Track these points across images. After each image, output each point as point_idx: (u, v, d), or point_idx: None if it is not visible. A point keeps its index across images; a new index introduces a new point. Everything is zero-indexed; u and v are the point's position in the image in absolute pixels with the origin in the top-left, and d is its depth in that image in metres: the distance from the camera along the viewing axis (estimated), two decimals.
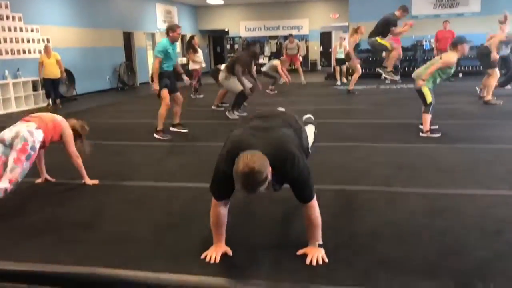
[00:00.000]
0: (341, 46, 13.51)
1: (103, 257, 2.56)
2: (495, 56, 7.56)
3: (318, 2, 19.27)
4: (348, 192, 3.57)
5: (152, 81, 5.90)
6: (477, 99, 8.33)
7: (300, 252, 2.48)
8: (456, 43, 5.32)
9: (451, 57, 5.25)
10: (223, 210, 2.51)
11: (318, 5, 19.33)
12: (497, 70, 7.74)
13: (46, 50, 9.65)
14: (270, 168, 2.17)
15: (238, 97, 7.40)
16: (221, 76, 7.45)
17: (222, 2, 18.61)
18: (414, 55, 14.55)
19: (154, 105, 6.16)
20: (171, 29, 5.91)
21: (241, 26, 19.66)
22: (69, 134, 3.83)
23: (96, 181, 3.98)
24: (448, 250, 2.51)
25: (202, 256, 2.48)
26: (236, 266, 2.42)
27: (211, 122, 7.07)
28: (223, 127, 6.56)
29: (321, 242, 2.47)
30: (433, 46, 12.46)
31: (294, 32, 19.81)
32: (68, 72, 11.16)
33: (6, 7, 9.71)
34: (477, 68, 13.64)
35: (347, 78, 13.29)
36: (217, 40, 21.80)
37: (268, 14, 19.56)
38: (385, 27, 8.06)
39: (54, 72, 9.70)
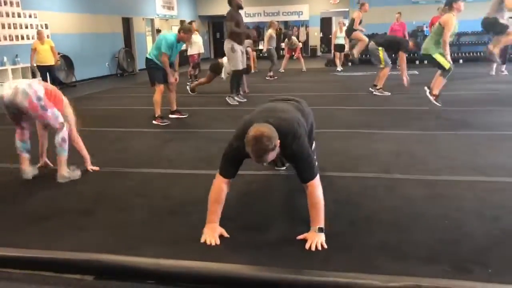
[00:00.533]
0: (342, 31, 13.43)
1: (103, 243, 2.59)
2: None
3: None
4: (347, 179, 3.58)
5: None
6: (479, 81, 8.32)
7: (300, 237, 2.50)
8: (451, 1, 5.31)
9: (450, 18, 5.27)
10: (226, 188, 2.59)
11: None
12: (510, 29, 7.75)
13: (39, 36, 9.09)
14: (279, 141, 2.36)
15: (232, 78, 7.32)
16: (225, 46, 7.17)
17: None
18: (415, 41, 14.43)
19: (153, 92, 6.15)
20: (183, 30, 5.86)
21: (241, 11, 19.48)
22: (70, 113, 3.83)
23: (97, 168, 3.99)
24: (447, 236, 2.52)
25: (202, 240, 2.51)
26: (236, 251, 2.44)
27: (211, 109, 7.06)
28: (222, 114, 6.57)
29: (322, 226, 2.48)
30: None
31: (294, 17, 19.71)
32: (67, 59, 11.12)
33: None
34: (478, 54, 13.60)
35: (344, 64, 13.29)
36: (217, 26, 21.65)
37: (268, 0, 19.39)
38: (394, 47, 7.86)
39: (48, 58, 9.12)
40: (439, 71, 5.64)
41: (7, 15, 9.76)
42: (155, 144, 5.00)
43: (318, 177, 2.53)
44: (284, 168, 3.61)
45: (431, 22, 11.68)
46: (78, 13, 12.15)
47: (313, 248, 2.40)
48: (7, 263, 0.88)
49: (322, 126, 4.62)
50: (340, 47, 13.02)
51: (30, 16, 10.41)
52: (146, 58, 6.09)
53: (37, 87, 3.54)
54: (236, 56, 7.05)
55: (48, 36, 10.91)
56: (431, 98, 5.40)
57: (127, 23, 14.80)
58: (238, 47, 7.05)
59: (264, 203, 3.18)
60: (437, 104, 5.34)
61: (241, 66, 7.15)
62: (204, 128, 5.71)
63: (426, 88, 5.69)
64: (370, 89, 7.96)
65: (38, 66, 9.24)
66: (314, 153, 2.91)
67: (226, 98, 7.37)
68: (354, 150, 4.41)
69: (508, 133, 4.87)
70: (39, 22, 10.66)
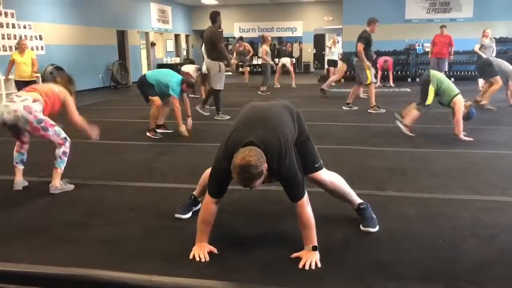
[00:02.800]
0: (335, 47, 13.59)
1: (94, 258, 2.54)
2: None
3: (312, 5, 19.33)
4: None
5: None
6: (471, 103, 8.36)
7: (294, 255, 2.47)
8: (470, 112, 5.48)
9: (463, 103, 5.40)
10: (214, 208, 2.57)
11: (312, 8, 19.38)
12: (499, 77, 7.78)
13: (20, 46, 8.11)
14: (266, 165, 2.31)
15: (215, 98, 7.41)
16: (210, 64, 7.25)
17: (217, 3, 18.58)
18: (407, 59, 14.63)
19: (147, 104, 6.12)
20: (187, 84, 5.88)
21: (235, 27, 19.63)
22: (70, 100, 3.86)
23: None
24: (441, 255, 2.50)
25: (191, 256, 2.48)
26: (229, 268, 2.40)
27: (202, 123, 7.03)
28: (214, 127, 6.55)
29: (315, 244, 2.46)
30: (426, 50, 12.43)
31: (288, 34, 19.90)
32: (60, 70, 11.08)
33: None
34: (469, 72, 13.77)
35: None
36: None
37: (262, 16, 19.57)
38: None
39: (28, 73, 8.11)
40: (417, 103, 5.70)
41: (1, 25, 9.74)
42: (148, 157, 4.96)
43: (306, 195, 2.47)
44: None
45: (433, 41, 11.58)
46: (73, 25, 12.16)
47: (306, 267, 2.37)
48: None
49: (314, 142, 4.60)
50: (333, 63, 13.11)
51: (25, 27, 10.38)
52: (144, 77, 5.98)
53: (36, 108, 3.53)
54: (221, 77, 7.24)
55: (42, 48, 10.92)
56: (400, 122, 5.59)
57: (121, 36, 14.83)
58: (223, 68, 7.24)
59: (257, 219, 3.15)
60: (404, 130, 5.54)
61: (222, 86, 7.32)
62: (197, 141, 5.68)
63: (397, 115, 5.84)
64: (369, 110, 7.87)
65: (16, 81, 8.32)
66: (314, 149, 2.86)
67: (215, 117, 7.39)
68: (346, 166, 4.40)
69: (501, 152, 4.90)
70: (33, 33, 10.64)
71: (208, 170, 2.73)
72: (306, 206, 2.47)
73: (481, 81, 9.66)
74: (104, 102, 10.36)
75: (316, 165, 2.84)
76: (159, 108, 5.95)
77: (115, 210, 3.34)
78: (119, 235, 2.87)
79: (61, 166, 3.69)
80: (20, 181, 3.79)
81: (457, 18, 14.54)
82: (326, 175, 2.90)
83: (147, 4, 16.45)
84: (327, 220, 2.95)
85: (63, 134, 3.71)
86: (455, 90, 5.46)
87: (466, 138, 5.36)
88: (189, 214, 3.11)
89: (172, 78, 5.82)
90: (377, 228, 2.86)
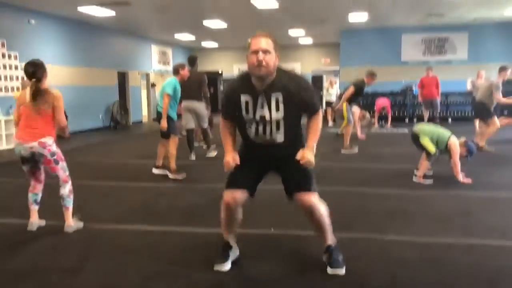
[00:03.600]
0: (333, 88, 13.80)
1: None
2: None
3: (310, 47, 19.73)
4: (339, 239, 3.50)
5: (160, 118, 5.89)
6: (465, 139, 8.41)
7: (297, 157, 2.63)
8: (469, 149, 5.41)
9: (458, 145, 5.35)
10: (230, 128, 2.85)
11: (310, 50, 19.79)
12: (495, 118, 7.84)
13: (23, 85, 8.20)
14: (278, 58, 2.60)
15: (206, 136, 7.68)
16: (200, 106, 7.44)
17: (217, 45, 18.98)
18: (404, 100, 14.80)
19: (146, 144, 6.17)
20: (180, 66, 6.06)
21: (234, 68, 19.98)
22: (57, 106, 3.82)
23: None
24: None
25: (225, 164, 2.72)
26: None
27: (201, 163, 7.04)
28: (212, 167, 6.53)
29: (314, 147, 2.73)
30: (419, 92, 12.53)
31: None
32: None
33: (3, 45, 9.83)
34: (466, 113, 13.92)
35: (334, 121, 13.52)
36: (211, 81, 22.00)
37: None
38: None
39: None
40: (425, 156, 5.62)
41: (4, 67, 9.90)
42: (147, 199, 4.93)
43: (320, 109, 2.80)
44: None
45: (421, 82, 11.97)
46: (75, 66, 12.37)
47: (300, 157, 2.60)
48: None
49: None
50: (331, 104, 13.26)
51: None
52: (158, 112, 6.04)
53: (49, 142, 3.71)
54: (207, 116, 7.64)
55: None
56: (417, 180, 5.45)
57: (122, 77, 15.06)
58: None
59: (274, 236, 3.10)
60: (427, 183, 5.40)
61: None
62: (198, 182, 5.66)
63: (415, 170, 5.68)
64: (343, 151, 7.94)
65: None
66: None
67: (207, 156, 7.49)
68: (346, 208, 4.37)
69: (502, 195, 4.88)
70: None
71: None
72: (321, 116, 2.79)
73: (477, 122, 9.75)
74: (103, 142, 10.40)
75: (310, 186, 2.79)
76: (176, 145, 6.02)
77: (111, 254, 3.28)
78: (115, 281, 2.82)
79: (70, 204, 3.83)
80: (35, 221, 3.86)
81: (453, 60, 14.83)
82: (318, 200, 2.78)
83: (148, 46, 16.80)
84: (323, 264, 2.89)
85: (68, 172, 3.86)
86: (447, 133, 5.45)
87: (465, 180, 5.35)
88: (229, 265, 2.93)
89: (165, 85, 5.94)
90: (344, 269, 2.81)
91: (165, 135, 6.00)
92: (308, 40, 18.09)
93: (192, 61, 7.62)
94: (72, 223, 3.81)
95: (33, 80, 3.73)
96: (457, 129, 6.00)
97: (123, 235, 3.71)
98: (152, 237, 3.67)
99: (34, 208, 3.87)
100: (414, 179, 5.54)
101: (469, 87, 10.88)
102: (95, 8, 10.54)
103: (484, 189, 5.09)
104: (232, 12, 11.64)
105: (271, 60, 2.53)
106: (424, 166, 5.49)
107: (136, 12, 11.37)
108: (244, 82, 2.67)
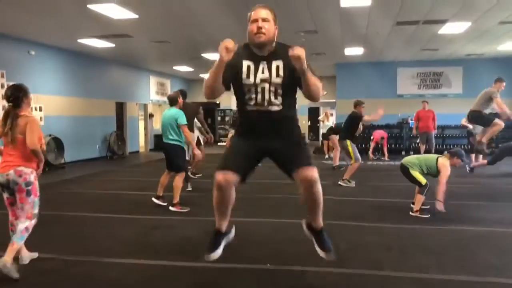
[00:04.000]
0: (328, 120, 13.92)
1: None
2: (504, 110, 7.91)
3: None
4: (335, 275, 3.48)
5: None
6: (466, 173, 8.51)
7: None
8: (455, 154, 5.48)
9: (447, 165, 5.38)
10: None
11: None
12: (497, 119, 7.99)
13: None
14: (276, 31, 2.69)
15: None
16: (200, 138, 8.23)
17: None
18: (400, 133, 14.91)
19: (143, 175, 6.16)
20: (176, 95, 6.12)
21: (232, 100, 20.09)
22: (30, 127, 3.57)
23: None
24: None
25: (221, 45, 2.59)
26: None
27: (196, 195, 7.00)
28: (205, 199, 6.48)
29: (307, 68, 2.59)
30: (414, 125, 12.61)
31: None
32: (57, 140, 11.19)
33: (3, 76, 9.93)
34: (461, 146, 13.99)
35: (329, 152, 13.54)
36: (208, 112, 22.22)
37: None
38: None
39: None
40: (418, 189, 5.62)
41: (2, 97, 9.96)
42: (141, 232, 4.88)
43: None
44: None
45: (417, 115, 12.09)
46: (73, 96, 12.44)
47: (294, 50, 2.48)
48: None
49: None
50: (327, 135, 13.30)
51: None
52: (169, 144, 5.94)
53: (26, 171, 3.56)
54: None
55: (41, 119, 11.10)
56: (415, 214, 5.43)
57: (120, 107, 15.15)
58: None
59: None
60: (424, 216, 5.38)
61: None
62: (192, 215, 5.63)
63: (412, 205, 5.67)
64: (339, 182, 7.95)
65: None
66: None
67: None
68: (342, 243, 4.32)
69: (495, 230, 4.86)
70: (34, 105, 10.85)
71: None
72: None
73: (473, 156, 9.79)
74: (100, 173, 10.36)
75: (310, 161, 2.80)
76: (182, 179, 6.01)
77: None
78: None
79: (19, 243, 3.50)
80: (24, 255, 3.71)
81: (448, 94, 15.03)
82: (317, 176, 2.75)
83: (146, 77, 16.98)
84: None
85: (37, 210, 3.64)
86: (433, 157, 5.56)
87: (440, 207, 5.34)
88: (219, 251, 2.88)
89: (174, 115, 5.89)
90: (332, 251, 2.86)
91: (173, 167, 6.00)
92: None
93: (184, 94, 7.71)
94: (10, 260, 3.35)
95: (9, 104, 3.60)
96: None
97: (115, 270, 3.65)
98: (146, 272, 3.62)
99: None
100: (411, 213, 5.53)
101: (463, 122, 11.09)
102: (95, 40, 10.71)
103: (479, 224, 5.06)
104: None
105: (271, 28, 2.65)
106: (419, 200, 5.49)
107: (135, 44, 11.54)
108: (247, 49, 2.76)
